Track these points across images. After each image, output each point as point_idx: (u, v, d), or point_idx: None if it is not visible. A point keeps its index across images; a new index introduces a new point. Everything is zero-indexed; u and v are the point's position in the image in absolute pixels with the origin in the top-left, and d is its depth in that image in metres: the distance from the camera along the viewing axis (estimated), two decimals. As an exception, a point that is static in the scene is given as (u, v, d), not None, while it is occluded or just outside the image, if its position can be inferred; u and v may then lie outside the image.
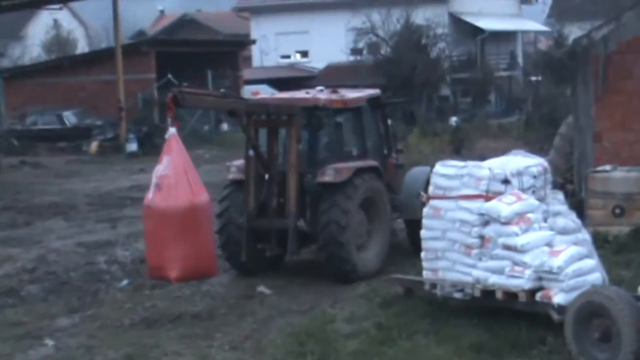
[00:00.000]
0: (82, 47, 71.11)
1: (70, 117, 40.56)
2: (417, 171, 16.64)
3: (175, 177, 13.18)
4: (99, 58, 44.83)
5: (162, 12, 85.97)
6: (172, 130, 13.34)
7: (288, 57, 59.08)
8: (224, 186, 16.05)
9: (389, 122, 17.20)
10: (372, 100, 16.59)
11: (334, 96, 15.97)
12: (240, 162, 15.61)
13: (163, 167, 13.27)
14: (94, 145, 37.69)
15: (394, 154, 17.11)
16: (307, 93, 16.37)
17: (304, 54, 58.65)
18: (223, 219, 15.66)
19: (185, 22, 73.68)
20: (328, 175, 15.05)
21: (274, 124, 15.46)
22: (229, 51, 49.34)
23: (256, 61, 59.18)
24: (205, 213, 13.42)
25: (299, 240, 15.03)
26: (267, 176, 15.26)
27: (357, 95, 16.49)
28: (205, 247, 13.43)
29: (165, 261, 13.14)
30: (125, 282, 15.59)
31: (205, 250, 13.42)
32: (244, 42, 54.40)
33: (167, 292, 14.78)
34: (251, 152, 15.04)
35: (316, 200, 15.20)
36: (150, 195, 13.24)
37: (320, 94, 16.16)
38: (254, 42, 55.19)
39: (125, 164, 33.31)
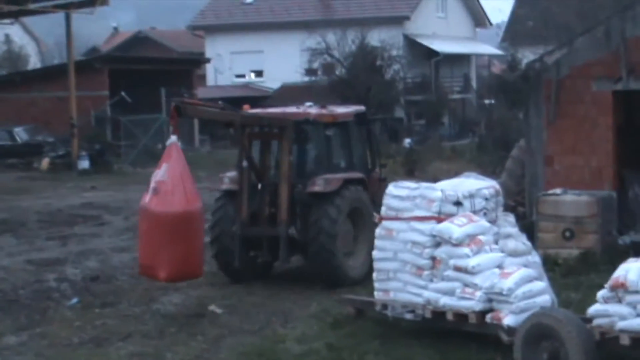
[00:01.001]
0: (34, 63, 70.52)
1: (21, 134, 40.17)
2: None
3: (172, 183, 13.72)
4: (51, 74, 44.52)
5: (116, 29, 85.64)
6: (173, 138, 13.97)
7: (243, 76, 59.06)
8: (217, 196, 16.71)
9: (374, 137, 18.08)
10: (358, 116, 17.49)
11: (323, 111, 16.95)
12: (232, 173, 16.40)
13: (162, 173, 13.81)
14: (45, 162, 37.35)
15: (377, 168, 17.85)
16: (298, 108, 17.24)
17: (259, 73, 58.65)
18: (216, 227, 16.31)
19: (139, 40, 73.43)
20: (318, 185, 15.87)
21: (267, 137, 16.31)
22: (183, 69, 49.23)
23: (210, 80, 59.08)
24: (198, 220, 13.95)
25: (289, 247, 15.75)
26: (259, 186, 16.05)
27: (345, 110, 17.57)
28: (194, 252, 13.95)
29: (156, 262, 13.62)
30: (74, 300, 15.45)
31: (194, 255, 13.95)
32: (198, 61, 54.30)
33: (117, 310, 14.69)
34: (245, 163, 15.81)
35: (306, 209, 15.95)
36: (147, 198, 13.73)
37: (310, 108, 17.05)
38: (208, 60, 55.14)
39: (77, 182, 33.06)
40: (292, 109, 17.17)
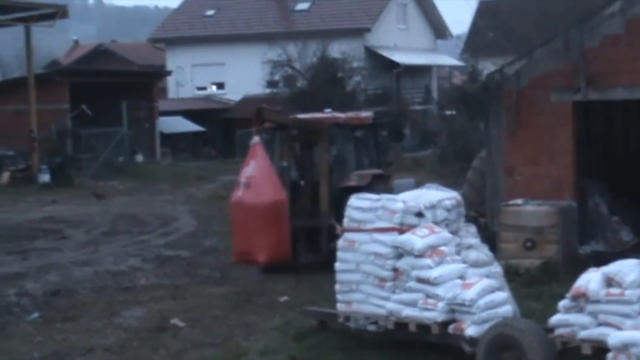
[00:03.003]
0: (-6, 77, 70.06)
1: (-20, 148, 39.82)
2: (403, 182, 19.75)
3: (262, 177, 15.69)
4: (11, 87, 44.14)
5: (76, 42, 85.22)
6: (256, 138, 15.98)
7: (204, 88, 58.96)
8: None
9: (382, 138, 20.43)
10: (372, 119, 19.99)
11: (351, 115, 19.73)
12: None
13: (251, 169, 15.78)
14: (5, 176, 37.02)
15: (384, 166, 19.93)
16: (324, 113, 19.66)
17: (220, 85, 58.58)
18: None
19: (100, 53, 73.14)
20: (352, 180, 18.14)
21: (305, 139, 18.34)
22: (144, 82, 49.03)
23: (172, 92, 58.92)
24: (285, 208, 15.89)
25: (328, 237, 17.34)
26: (302, 183, 18.16)
27: (366, 114, 20.24)
28: (284, 236, 15.74)
29: (253, 248, 15.38)
30: (35, 315, 15.32)
31: (284, 239, 15.72)
32: (159, 73, 54.14)
33: (79, 325, 14.59)
34: (285, 164, 17.85)
35: (340, 202, 17.11)
36: (240, 193, 15.62)
37: (337, 113, 19.71)
38: (169, 73, 54.97)
39: (38, 195, 32.83)
40: (321, 115, 19.53)
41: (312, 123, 18.68)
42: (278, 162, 17.77)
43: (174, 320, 14.59)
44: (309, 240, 18.16)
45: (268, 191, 15.57)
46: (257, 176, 15.68)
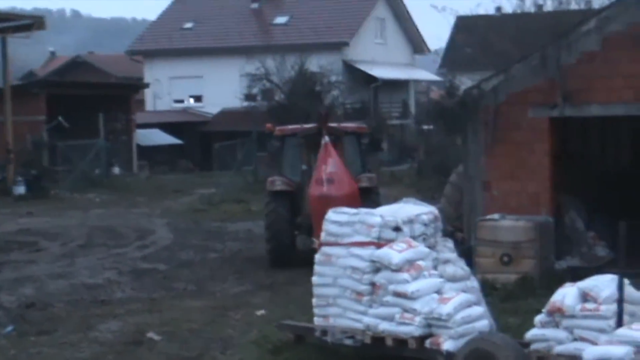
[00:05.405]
0: (-30, 88, 69.65)
1: (-45, 159, 39.55)
2: None
3: (340, 172, 18.20)
4: (-14, 99, 43.95)
5: (53, 53, 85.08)
6: (326, 138, 18.58)
7: (182, 101, 58.91)
8: (267, 200, 20.13)
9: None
10: None
11: (357, 125, 22.06)
12: (278, 177, 20.17)
13: (330, 166, 18.25)
14: (-21, 188, 36.81)
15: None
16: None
17: (198, 98, 58.53)
18: (272, 227, 19.71)
19: (77, 64, 72.99)
20: (364, 181, 19.86)
21: (317, 145, 19.61)
22: (122, 94, 48.93)
23: (149, 105, 58.84)
24: (359, 195, 18.15)
25: None
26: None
27: (364, 125, 22.44)
28: None
29: None
30: (9, 328, 15.20)
31: None
32: (136, 86, 54.02)
33: (53, 338, 14.50)
34: (304, 167, 20.09)
35: None
36: (324, 187, 18.07)
37: (344, 123, 22.72)
38: (147, 85, 54.89)
39: (13, 208, 32.65)
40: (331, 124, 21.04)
41: (335, 130, 20.36)
42: (299, 166, 20.00)
43: (150, 334, 14.52)
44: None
45: (347, 184, 18.19)
46: (337, 171, 18.21)
